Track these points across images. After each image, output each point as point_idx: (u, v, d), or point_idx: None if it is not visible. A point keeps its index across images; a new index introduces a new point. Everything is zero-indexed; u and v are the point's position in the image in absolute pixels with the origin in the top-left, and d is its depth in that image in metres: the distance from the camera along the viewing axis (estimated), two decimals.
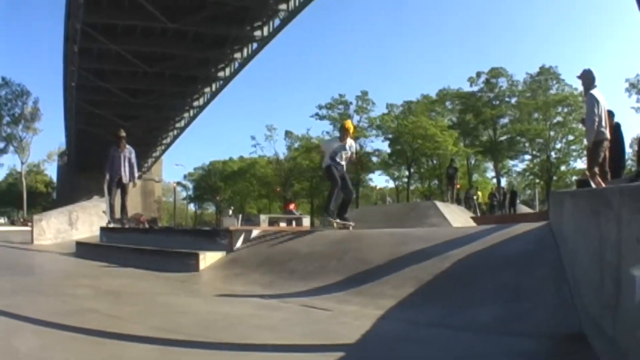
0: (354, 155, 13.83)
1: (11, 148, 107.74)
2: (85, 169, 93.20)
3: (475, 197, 38.83)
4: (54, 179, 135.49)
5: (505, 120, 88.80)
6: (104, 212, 18.49)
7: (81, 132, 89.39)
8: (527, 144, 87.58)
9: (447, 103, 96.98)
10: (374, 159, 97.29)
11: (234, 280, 9.42)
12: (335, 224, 12.60)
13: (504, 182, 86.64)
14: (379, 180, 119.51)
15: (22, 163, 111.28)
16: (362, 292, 7.28)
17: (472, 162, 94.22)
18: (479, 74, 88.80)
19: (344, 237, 10.33)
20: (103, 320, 5.76)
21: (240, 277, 9.58)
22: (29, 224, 60.04)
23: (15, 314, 5.76)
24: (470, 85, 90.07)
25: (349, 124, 13.75)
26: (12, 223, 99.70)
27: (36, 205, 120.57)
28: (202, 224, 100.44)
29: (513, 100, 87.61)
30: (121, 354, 4.46)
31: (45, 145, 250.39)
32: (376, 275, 7.76)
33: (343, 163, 13.19)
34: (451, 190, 34.58)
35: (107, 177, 16.84)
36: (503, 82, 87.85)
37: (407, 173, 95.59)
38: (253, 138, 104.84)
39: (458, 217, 19.94)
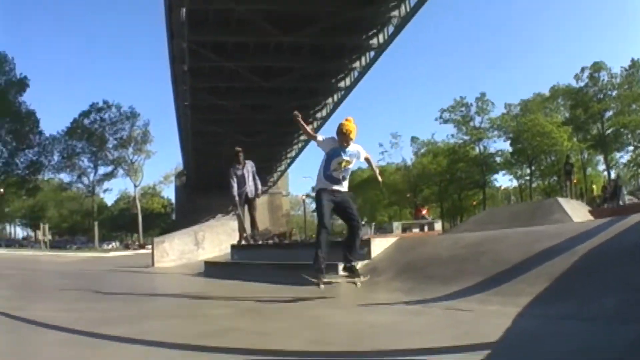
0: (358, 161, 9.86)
1: (121, 171, 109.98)
2: (205, 188, 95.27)
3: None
4: (172, 199, 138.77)
5: (610, 113, 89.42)
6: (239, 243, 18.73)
7: (199, 152, 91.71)
8: (629, 136, 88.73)
9: (559, 99, 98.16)
10: (497, 159, 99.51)
11: (375, 288, 9.51)
12: (321, 283, 9.13)
13: (613, 174, 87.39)
14: (503, 180, 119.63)
15: (135, 186, 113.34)
16: (500, 292, 7.41)
17: (585, 156, 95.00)
18: (583, 69, 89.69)
19: (480, 240, 10.31)
20: (250, 338, 5.90)
21: (381, 285, 9.71)
22: (147, 246, 61.48)
23: (149, 340, 5.83)
24: (577, 82, 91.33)
25: (347, 125, 9.64)
26: (126, 247, 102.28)
27: (153, 228, 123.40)
28: (333, 236, 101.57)
29: (614, 94, 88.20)
30: None
31: (159, 167, 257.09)
32: (513, 275, 7.89)
33: (341, 179, 9.69)
34: (569, 186, 34.48)
35: (234, 196, 17.14)
36: (604, 76, 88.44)
37: (528, 171, 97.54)
38: (380, 145, 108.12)
39: (578, 212, 19.88)
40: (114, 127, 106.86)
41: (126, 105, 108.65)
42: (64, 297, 10.53)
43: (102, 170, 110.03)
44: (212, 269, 15.63)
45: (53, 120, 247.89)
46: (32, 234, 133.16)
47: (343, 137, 9.49)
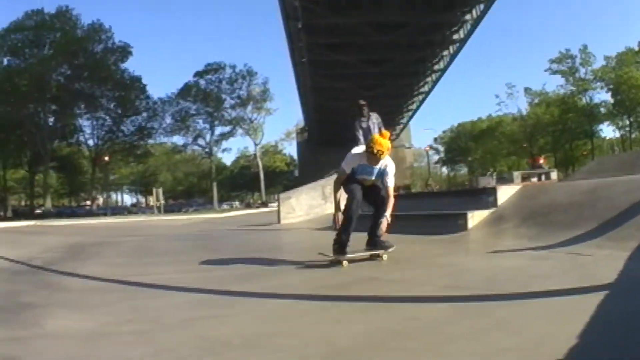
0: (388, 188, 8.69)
1: (240, 131, 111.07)
2: (327, 143, 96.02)
3: None
4: (294, 156, 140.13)
5: None
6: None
7: (320, 107, 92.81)
8: None
9: None
10: (602, 109, 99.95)
11: (502, 235, 10.03)
12: (343, 260, 8.44)
13: None
14: (607, 131, 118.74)
15: (256, 144, 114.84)
16: (613, 237, 7.90)
17: None
18: None
19: (595, 187, 10.68)
20: (388, 286, 6.31)
21: (508, 232, 10.23)
22: (270, 204, 62.05)
23: (288, 294, 6.14)
24: None
25: (380, 144, 8.34)
26: (248, 206, 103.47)
27: (275, 185, 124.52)
28: (455, 186, 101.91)
29: None
30: (419, 315, 4.75)
31: (279, 124, 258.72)
32: (624, 220, 8.34)
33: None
34: None
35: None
36: None
37: (628, 122, 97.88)
38: (497, 96, 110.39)
39: None
40: (231, 86, 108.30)
41: (246, 64, 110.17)
42: (187, 259, 10.71)
43: (219, 130, 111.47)
44: None
45: (165, 86, 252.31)
46: (142, 200, 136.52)
47: (373, 158, 8.47)
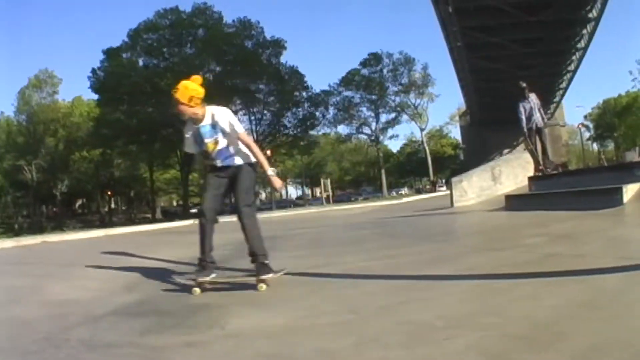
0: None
1: (405, 117, 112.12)
2: (490, 125, 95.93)
3: None
4: (459, 140, 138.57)
5: None
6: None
7: (480, 89, 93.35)
8: None
9: None
10: None
11: None
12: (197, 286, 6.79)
13: None
14: None
15: (422, 130, 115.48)
16: None
17: None
18: None
19: None
20: (571, 261, 6.56)
21: None
22: (440, 188, 62.64)
23: (478, 274, 6.51)
24: None
25: (185, 86, 7.15)
26: (418, 192, 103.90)
27: (442, 170, 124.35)
28: (607, 162, 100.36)
29: None
30: (601, 285, 5.20)
31: (440, 109, 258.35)
32: None
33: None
34: None
35: (525, 130, 18.17)
36: None
37: None
38: (630, 73, 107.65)
39: None
40: (392, 74, 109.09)
41: (402, 51, 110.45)
42: (371, 247, 10.81)
43: (384, 118, 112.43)
44: (513, 202, 16.08)
45: (323, 79, 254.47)
46: (307, 192, 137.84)
47: (187, 111, 7.15)
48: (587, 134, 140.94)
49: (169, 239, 21.65)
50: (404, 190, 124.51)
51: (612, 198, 11.34)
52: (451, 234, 12.90)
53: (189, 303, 6.61)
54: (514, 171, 22.80)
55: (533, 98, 18.25)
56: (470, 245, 9.82)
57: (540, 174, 18.51)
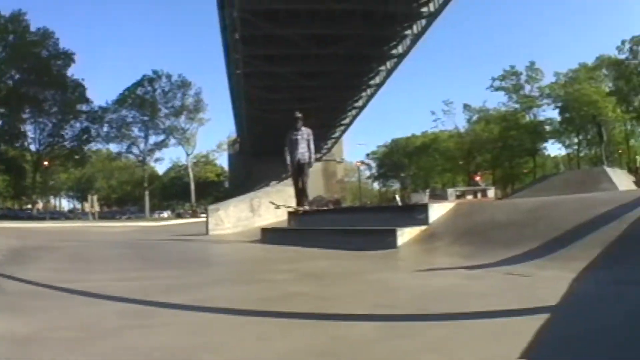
0: None
1: (173, 140, 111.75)
2: (258, 155, 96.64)
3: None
4: (225, 167, 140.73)
5: None
6: (271, 202, 19.02)
7: (253, 119, 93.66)
8: None
9: (604, 70, 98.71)
10: (547, 127, 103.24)
11: (434, 253, 9.69)
12: None
13: None
14: (553, 148, 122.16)
15: (188, 155, 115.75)
16: (556, 257, 7.63)
17: (629, 127, 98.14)
18: (623, 42, 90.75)
19: (537, 205, 10.55)
20: (315, 303, 6.00)
21: (440, 250, 9.87)
22: (200, 215, 62.23)
23: (213, 307, 5.93)
24: (619, 53, 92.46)
25: None
26: (179, 216, 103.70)
27: (206, 196, 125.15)
28: (387, 202, 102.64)
29: None
30: (344, 334, 4.55)
31: (212, 135, 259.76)
32: (568, 240, 8.13)
33: None
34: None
35: (287, 161, 17.34)
36: None
37: (576, 140, 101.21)
38: (433, 113, 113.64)
39: (623, 182, 20.85)
40: (166, 96, 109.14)
41: (177, 75, 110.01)
42: (118, 267, 10.74)
43: (153, 139, 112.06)
44: (269, 235, 15.73)
45: (104, 93, 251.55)
46: (79, 206, 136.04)
47: None
48: (367, 172, 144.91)
49: None
50: (166, 213, 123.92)
51: (386, 240, 10.87)
52: (199, 262, 12.44)
53: None
54: None
55: (305, 133, 17.39)
56: (214, 276, 9.35)
57: (302, 209, 17.80)
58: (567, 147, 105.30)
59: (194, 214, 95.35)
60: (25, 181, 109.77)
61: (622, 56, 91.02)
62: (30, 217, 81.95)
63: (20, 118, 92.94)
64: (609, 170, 21.47)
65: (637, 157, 52.83)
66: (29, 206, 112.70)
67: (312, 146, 17.44)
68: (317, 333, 4.64)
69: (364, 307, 5.65)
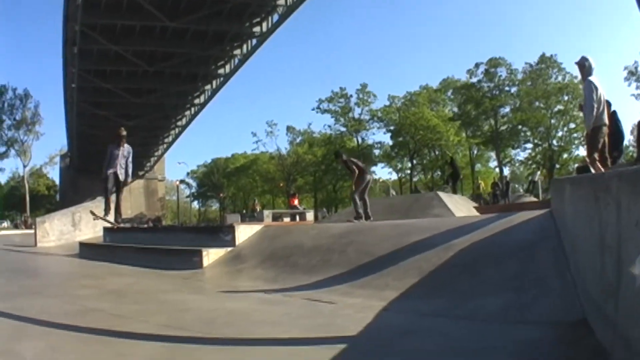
0: None
1: (12, 152, 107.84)
2: (87, 170, 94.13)
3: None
4: (57, 181, 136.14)
5: (507, 109, 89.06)
6: (91, 212, 18.54)
7: (83, 134, 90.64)
8: (528, 133, 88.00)
9: (449, 93, 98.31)
10: (376, 151, 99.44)
11: (237, 276, 9.60)
12: None
13: (506, 171, 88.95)
14: (382, 172, 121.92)
15: (25, 166, 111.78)
16: (365, 285, 7.41)
17: (475, 152, 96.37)
18: (477, 65, 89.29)
19: (347, 230, 10.43)
20: (109, 320, 5.80)
21: (244, 272, 9.77)
22: (33, 226, 60.51)
23: (20, 316, 5.77)
24: (470, 77, 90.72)
25: None
26: (16, 226, 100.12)
27: (40, 208, 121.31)
28: (206, 222, 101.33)
29: (513, 90, 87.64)
30: (130, 352, 4.47)
31: (48, 148, 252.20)
32: (380, 267, 7.91)
33: None
34: (451, 185, 34.98)
35: (104, 174, 16.86)
36: (502, 72, 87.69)
37: (409, 165, 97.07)
38: (254, 134, 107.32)
39: (461, 207, 19.97)
40: (11, 108, 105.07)
41: (25, 88, 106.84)
42: None
43: None
44: (86, 250, 15.31)
45: None
46: None
47: None
48: (187, 191, 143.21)
49: None
50: (6, 224, 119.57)
51: (192, 260, 10.72)
52: (14, 273, 11.59)
53: None
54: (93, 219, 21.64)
55: (125, 150, 16.90)
56: (25, 287, 8.91)
57: (119, 225, 17.35)
58: (398, 171, 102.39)
59: (26, 225, 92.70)
60: None
61: (474, 79, 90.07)
62: None
63: None
64: (442, 195, 21.03)
65: (480, 182, 53.57)
66: None
67: (129, 165, 17.00)
68: (104, 349, 4.56)
69: (155, 327, 5.42)
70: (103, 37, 61.07)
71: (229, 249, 11.20)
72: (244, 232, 11.79)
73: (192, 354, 4.42)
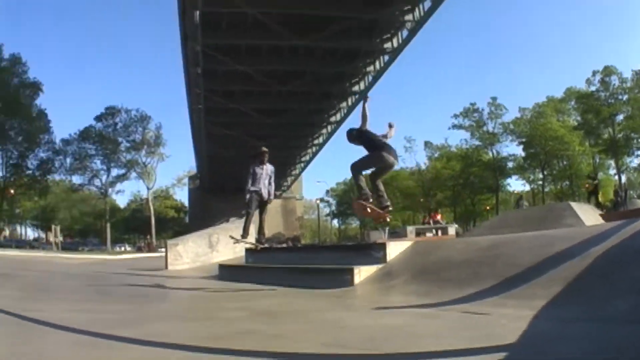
0: None
1: (134, 174, 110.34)
2: (218, 191, 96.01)
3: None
4: (185, 202, 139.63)
5: (620, 117, 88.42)
6: (231, 236, 18.66)
7: (213, 156, 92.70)
8: (639, 140, 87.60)
9: (572, 102, 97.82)
10: (510, 163, 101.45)
11: (390, 292, 9.78)
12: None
13: (624, 178, 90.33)
14: (516, 184, 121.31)
15: (148, 189, 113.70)
16: (514, 295, 7.56)
17: (597, 161, 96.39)
18: (594, 73, 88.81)
19: (494, 243, 10.47)
20: (266, 341, 5.89)
21: (396, 288, 9.92)
22: (159, 250, 61.71)
23: (166, 342, 5.75)
24: (588, 86, 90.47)
25: None
26: (139, 250, 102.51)
27: (166, 230, 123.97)
28: (346, 240, 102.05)
29: (624, 98, 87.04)
30: None
31: (173, 169, 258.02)
32: (527, 278, 8.06)
33: None
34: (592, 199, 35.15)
35: (247, 195, 17.01)
36: (614, 80, 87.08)
37: (541, 176, 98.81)
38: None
39: (590, 216, 20.24)
40: (126, 130, 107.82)
41: (138, 108, 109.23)
42: (76, 298, 10.63)
43: (114, 172, 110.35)
44: (226, 271, 15.72)
45: (68, 125, 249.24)
46: (43, 235, 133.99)
47: None
48: (327, 210, 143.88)
49: None
50: (126, 247, 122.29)
51: (342, 278, 10.86)
52: (155, 297, 12.09)
53: None
54: None
55: (268, 169, 16.96)
56: (168, 311, 9.31)
57: (259, 246, 17.58)
58: (530, 182, 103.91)
59: (150, 248, 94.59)
60: None
61: (592, 88, 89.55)
62: None
63: None
64: (574, 205, 21.19)
65: (600, 190, 52.98)
66: None
67: (272, 184, 17.10)
68: None
69: (315, 346, 5.48)
70: (228, 57, 61.86)
71: (380, 265, 11.28)
72: (395, 249, 11.85)
73: None
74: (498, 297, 7.63)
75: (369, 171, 11.83)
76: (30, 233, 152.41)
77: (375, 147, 11.80)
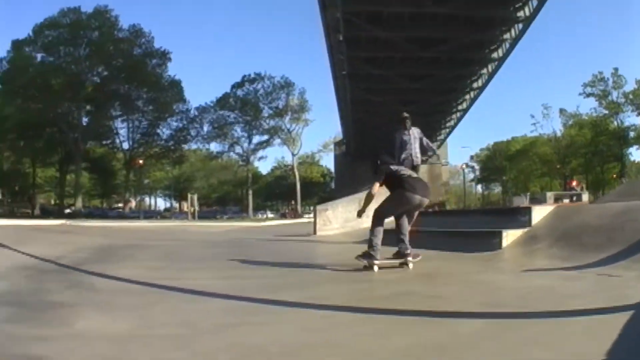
0: None
1: (277, 140, 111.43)
2: (364, 157, 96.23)
3: None
4: (331, 168, 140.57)
5: None
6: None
7: (359, 120, 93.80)
8: None
9: None
10: (631, 133, 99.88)
11: (535, 255, 10.12)
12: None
13: None
14: (637, 154, 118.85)
15: (293, 155, 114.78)
16: None
17: None
18: None
19: (625, 209, 10.75)
20: (425, 301, 6.30)
21: (540, 252, 10.30)
22: (305, 215, 62.19)
23: (324, 305, 6.12)
24: None
25: None
26: (283, 216, 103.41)
27: (311, 196, 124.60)
28: (489, 205, 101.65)
29: None
30: (456, 330, 4.85)
31: (317, 135, 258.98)
32: None
33: None
34: None
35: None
36: None
37: None
38: (532, 117, 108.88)
39: None
40: (269, 97, 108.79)
41: (279, 76, 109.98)
42: (221, 266, 10.96)
43: (256, 139, 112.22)
44: None
45: (206, 94, 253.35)
46: (175, 205, 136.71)
47: None
48: (471, 176, 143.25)
49: (39, 236, 21.93)
50: (269, 214, 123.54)
51: (490, 242, 11.19)
52: (305, 261, 12.43)
53: (47, 299, 6.62)
54: None
55: (415, 132, 16.88)
56: (322, 275, 9.51)
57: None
58: None
59: (295, 214, 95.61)
60: (116, 179, 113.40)
61: None
62: (121, 216, 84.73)
63: (108, 116, 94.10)
64: None
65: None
66: (120, 205, 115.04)
67: (426, 143, 16.87)
68: (430, 330, 4.92)
69: (473, 305, 5.98)
70: (369, 24, 62.60)
71: (525, 229, 11.59)
72: (539, 213, 12.14)
73: (514, 327, 4.87)
74: (627, 261, 8.16)
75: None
76: (162, 203, 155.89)
77: (395, 184, 9.94)
